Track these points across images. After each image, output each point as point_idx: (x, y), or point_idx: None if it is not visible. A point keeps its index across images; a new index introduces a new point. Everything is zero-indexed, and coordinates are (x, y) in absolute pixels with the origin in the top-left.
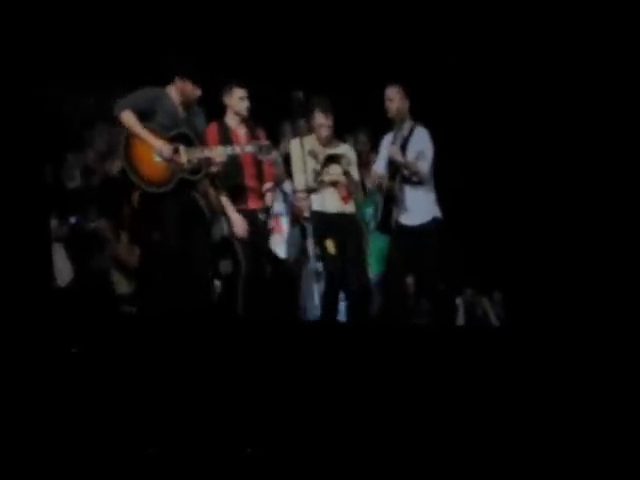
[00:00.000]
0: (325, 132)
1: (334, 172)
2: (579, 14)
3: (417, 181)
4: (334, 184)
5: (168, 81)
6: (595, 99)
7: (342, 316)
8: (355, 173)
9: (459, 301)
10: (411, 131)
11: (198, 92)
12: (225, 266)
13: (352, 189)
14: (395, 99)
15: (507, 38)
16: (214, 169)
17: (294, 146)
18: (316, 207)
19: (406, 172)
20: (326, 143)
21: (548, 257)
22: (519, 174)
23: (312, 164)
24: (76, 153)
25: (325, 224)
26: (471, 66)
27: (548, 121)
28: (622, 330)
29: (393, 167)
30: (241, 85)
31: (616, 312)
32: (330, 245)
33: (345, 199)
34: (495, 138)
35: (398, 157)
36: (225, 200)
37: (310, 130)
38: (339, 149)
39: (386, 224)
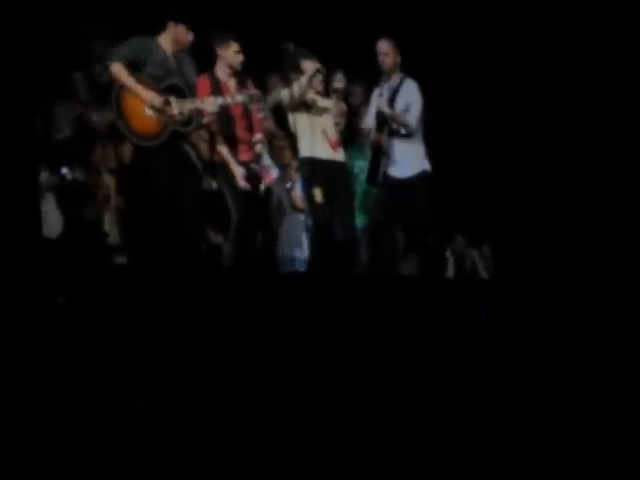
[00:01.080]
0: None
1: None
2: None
3: (405, 133)
4: (323, 131)
5: (159, 29)
6: (582, 72)
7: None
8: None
9: (448, 253)
10: (400, 83)
11: (190, 37)
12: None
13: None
14: (390, 53)
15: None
16: (206, 120)
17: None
18: (305, 153)
19: (394, 124)
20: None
21: (538, 211)
22: (510, 129)
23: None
24: (63, 104)
25: (314, 171)
26: (461, 19)
27: (540, 73)
28: (612, 284)
29: (381, 119)
30: (237, 39)
31: (605, 268)
32: (318, 194)
33: (334, 146)
34: (486, 90)
35: (385, 109)
36: (225, 151)
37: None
38: (328, 102)
39: (374, 176)
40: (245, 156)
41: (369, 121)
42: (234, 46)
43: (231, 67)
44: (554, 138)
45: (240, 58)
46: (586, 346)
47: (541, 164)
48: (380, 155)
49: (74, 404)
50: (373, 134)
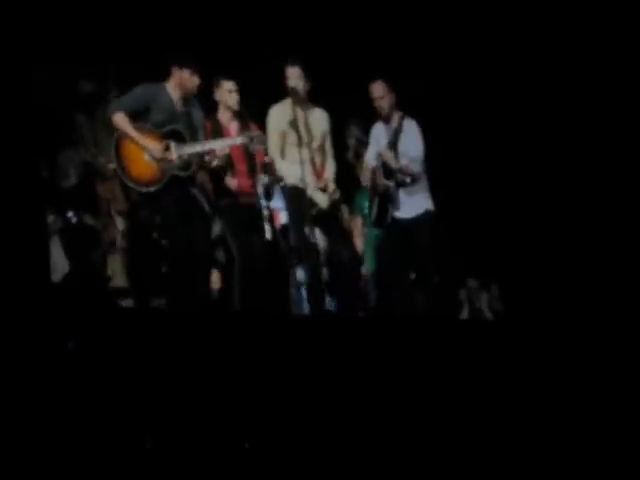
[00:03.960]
0: (301, 87)
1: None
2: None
3: (413, 181)
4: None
5: (165, 76)
6: (577, 81)
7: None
8: (328, 145)
9: (463, 296)
10: (400, 125)
11: (196, 81)
12: (221, 258)
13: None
14: (385, 95)
15: (491, 24)
16: (217, 163)
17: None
18: (292, 181)
19: (399, 176)
20: (304, 107)
21: (544, 250)
22: (512, 166)
23: (293, 137)
24: (68, 150)
25: (304, 204)
26: (454, 54)
27: (538, 106)
28: (617, 323)
29: (387, 169)
30: (229, 77)
31: (611, 304)
32: (311, 232)
33: (321, 176)
34: (487, 127)
35: (392, 163)
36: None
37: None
38: (315, 113)
39: (382, 220)
40: (246, 199)
41: (370, 160)
42: (226, 85)
43: (229, 108)
44: (555, 172)
45: (235, 97)
46: (594, 384)
47: (547, 202)
48: (387, 202)
49: (84, 447)
50: (380, 181)
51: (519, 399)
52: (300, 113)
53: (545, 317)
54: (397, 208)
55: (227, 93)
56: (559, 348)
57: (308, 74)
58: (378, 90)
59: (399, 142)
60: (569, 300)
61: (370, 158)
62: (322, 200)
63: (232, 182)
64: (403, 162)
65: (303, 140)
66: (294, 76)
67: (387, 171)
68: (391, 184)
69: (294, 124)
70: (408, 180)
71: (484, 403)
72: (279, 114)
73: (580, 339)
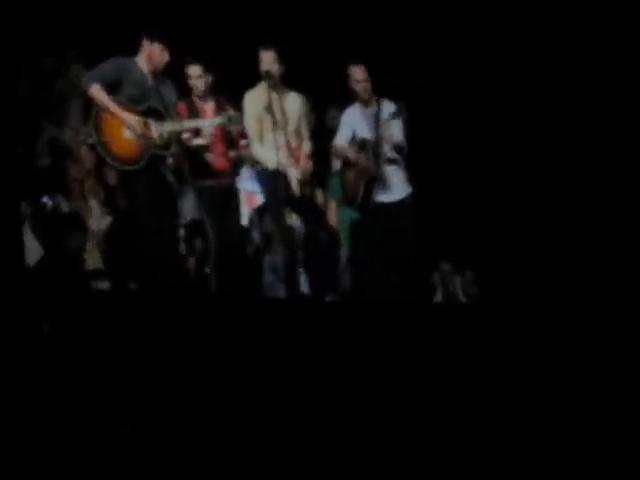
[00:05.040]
0: (275, 71)
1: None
2: None
3: (399, 159)
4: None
5: (136, 51)
6: (561, 71)
7: (304, 288)
8: (304, 128)
9: (436, 279)
10: (379, 107)
11: (166, 56)
12: (197, 243)
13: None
14: (365, 79)
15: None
16: (203, 141)
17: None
18: (270, 166)
19: (389, 152)
20: (278, 90)
21: (521, 235)
22: (488, 149)
23: (269, 121)
24: (48, 130)
25: (280, 188)
26: (432, 35)
27: (516, 84)
28: (593, 307)
29: (376, 149)
30: (196, 62)
31: (587, 287)
32: (288, 214)
33: (298, 158)
34: (463, 110)
35: (395, 139)
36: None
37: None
38: (289, 96)
39: (367, 205)
40: (223, 180)
41: (342, 141)
42: (193, 70)
43: (195, 91)
44: (531, 155)
45: (202, 81)
46: (571, 369)
47: (524, 185)
48: (373, 184)
49: (60, 432)
50: (367, 162)
51: (494, 383)
52: (275, 97)
53: (520, 301)
54: (382, 191)
55: (195, 78)
56: (535, 332)
57: (282, 58)
58: (359, 74)
59: (385, 124)
60: (544, 284)
61: (342, 139)
62: (294, 174)
63: (210, 161)
64: (398, 140)
65: (279, 124)
66: (268, 60)
67: (377, 154)
68: (380, 167)
69: (269, 108)
70: (399, 158)
71: (459, 387)
72: (254, 99)
73: (556, 323)
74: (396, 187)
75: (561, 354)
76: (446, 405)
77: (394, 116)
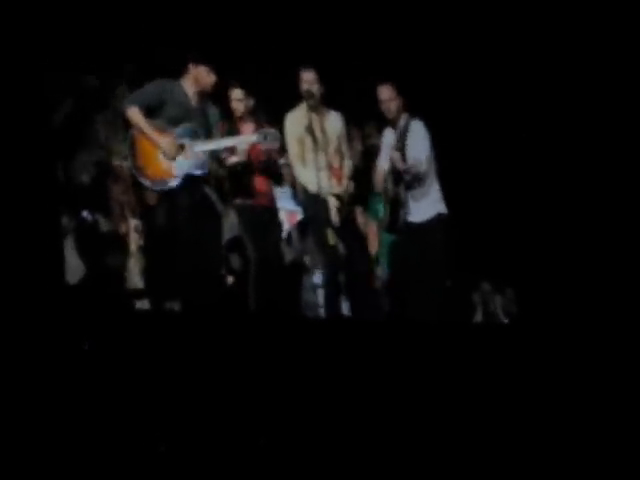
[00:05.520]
0: (315, 91)
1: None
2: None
3: (419, 182)
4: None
5: (182, 72)
6: (584, 84)
7: (344, 309)
8: (344, 147)
9: (477, 298)
10: (406, 126)
11: (213, 78)
12: (236, 261)
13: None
14: (393, 98)
15: (498, 28)
16: (237, 159)
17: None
18: (312, 188)
19: (407, 177)
20: (318, 110)
21: (559, 252)
22: (526, 168)
23: (310, 142)
24: (85, 149)
25: (322, 209)
26: (464, 56)
27: (550, 108)
28: (633, 327)
29: (396, 173)
30: (238, 85)
31: (628, 308)
32: (331, 235)
33: (340, 178)
34: (500, 128)
35: (399, 164)
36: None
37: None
38: (330, 116)
39: (394, 226)
40: (262, 200)
41: (383, 164)
42: (235, 93)
43: (236, 113)
44: (570, 173)
45: (243, 105)
46: (606, 387)
47: (560, 200)
48: (398, 206)
49: (99, 448)
50: (390, 187)
51: (532, 403)
52: (315, 117)
53: (560, 320)
54: (408, 213)
55: (236, 101)
56: (574, 352)
57: (322, 78)
58: (385, 93)
59: (406, 143)
60: (584, 303)
61: (382, 162)
62: (334, 204)
63: (250, 181)
64: (410, 162)
65: (320, 144)
66: (308, 80)
67: (396, 175)
68: (400, 189)
69: (310, 129)
70: (414, 181)
71: (496, 407)
72: (295, 120)
73: (595, 342)
74: (425, 207)
75: (602, 376)
76: (487, 425)
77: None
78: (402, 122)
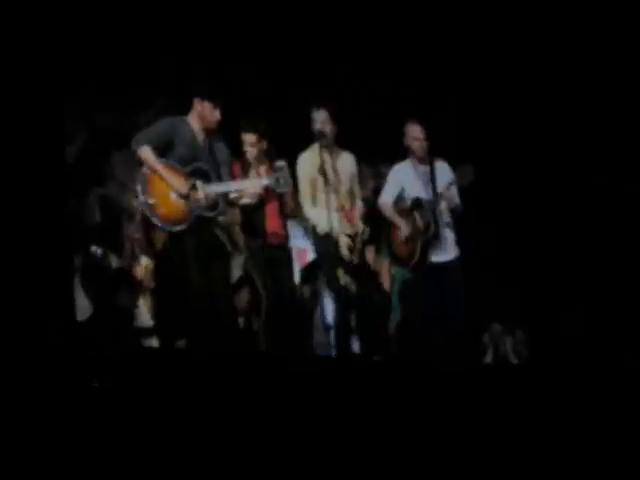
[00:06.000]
0: (328, 131)
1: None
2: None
3: (452, 221)
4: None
5: (187, 109)
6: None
7: (355, 348)
8: (356, 188)
9: (486, 339)
10: (433, 166)
11: (217, 115)
12: (241, 301)
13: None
14: (422, 137)
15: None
16: (247, 201)
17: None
18: (323, 229)
19: (454, 215)
20: (331, 150)
21: (570, 296)
22: (536, 212)
23: (322, 182)
24: (96, 187)
25: (333, 248)
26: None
27: (568, 151)
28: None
29: (435, 211)
30: (251, 130)
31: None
32: (341, 275)
33: (351, 220)
34: (509, 171)
35: (455, 200)
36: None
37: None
38: (342, 156)
39: (422, 265)
40: (274, 239)
41: (388, 199)
42: (247, 138)
43: (249, 156)
44: (580, 218)
45: (255, 149)
46: (617, 429)
47: (570, 244)
48: (431, 244)
49: None
50: (423, 221)
51: (542, 445)
52: (327, 158)
53: (570, 362)
54: (436, 251)
55: (249, 145)
56: (584, 394)
57: (334, 118)
58: (417, 131)
59: (437, 182)
60: (594, 346)
61: (387, 198)
62: (345, 242)
63: (261, 221)
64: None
65: (332, 185)
66: (321, 120)
67: (435, 214)
68: (439, 227)
69: (322, 169)
70: (453, 214)
71: (507, 448)
72: (308, 161)
73: (605, 384)
74: (448, 247)
75: (613, 418)
76: (498, 468)
77: (461, 180)
78: (426, 163)
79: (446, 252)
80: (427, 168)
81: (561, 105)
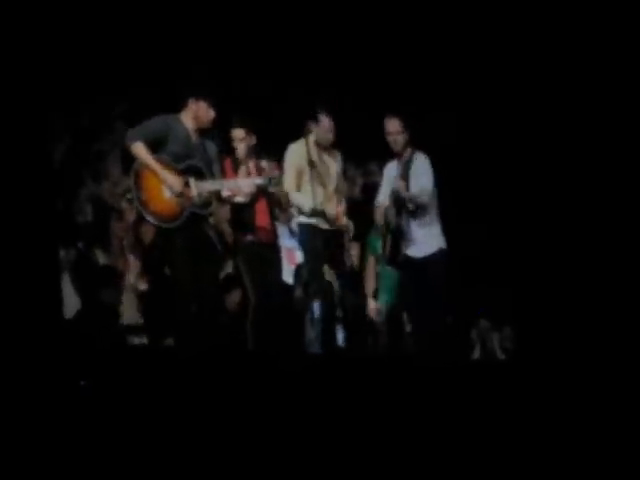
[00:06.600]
0: (330, 137)
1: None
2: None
3: (422, 213)
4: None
5: (181, 107)
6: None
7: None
8: (342, 185)
9: (474, 335)
10: (411, 158)
11: (212, 114)
12: (231, 302)
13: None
14: (401, 131)
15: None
16: (240, 199)
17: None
18: (309, 207)
19: (410, 205)
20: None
21: (558, 291)
22: (525, 205)
23: (308, 176)
24: (89, 186)
25: (318, 244)
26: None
27: (552, 141)
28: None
29: (399, 202)
30: (239, 125)
31: (629, 345)
32: (326, 271)
33: (338, 217)
34: (498, 164)
35: (404, 192)
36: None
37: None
38: (330, 154)
39: (395, 258)
40: (263, 237)
41: (383, 199)
42: (236, 133)
43: (239, 152)
44: (570, 210)
45: (244, 144)
46: (606, 424)
47: (559, 237)
48: (400, 237)
49: None
50: (392, 218)
51: (529, 440)
52: (317, 153)
53: (558, 357)
54: (409, 246)
55: (238, 141)
56: (571, 389)
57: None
58: (393, 126)
59: (410, 173)
60: (581, 340)
61: (383, 197)
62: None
63: (251, 216)
64: (414, 191)
65: (319, 179)
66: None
67: (399, 206)
68: (403, 220)
69: (312, 164)
70: (417, 212)
71: (494, 444)
72: (297, 152)
73: (593, 379)
74: (427, 242)
75: (601, 413)
76: (485, 464)
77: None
78: (407, 154)
79: (421, 247)
80: (405, 159)
81: (553, 99)
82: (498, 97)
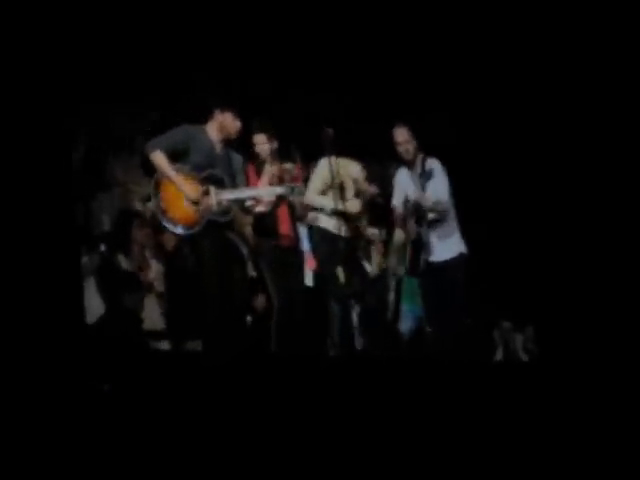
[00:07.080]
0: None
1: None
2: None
3: (441, 222)
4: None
5: (207, 118)
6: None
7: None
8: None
9: (497, 337)
10: (424, 166)
11: (238, 124)
12: (259, 302)
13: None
14: (409, 140)
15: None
16: (261, 208)
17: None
18: (330, 208)
19: (431, 215)
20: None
21: (580, 291)
22: (546, 205)
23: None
24: (105, 190)
25: (337, 248)
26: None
27: (568, 142)
28: None
29: (419, 213)
30: (261, 130)
31: None
32: (341, 274)
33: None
34: (517, 166)
35: (426, 203)
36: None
37: None
38: (352, 164)
39: (416, 269)
40: (286, 242)
41: (398, 205)
42: (257, 138)
43: (259, 157)
44: (589, 212)
45: (266, 148)
46: (629, 425)
47: (579, 238)
48: (420, 247)
49: None
50: (411, 227)
51: (552, 442)
52: (339, 163)
53: (581, 358)
54: (430, 253)
55: (259, 145)
56: (595, 390)
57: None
58: (402, 135)
59: (426, 183)
60: (605, 341)
61: (396, 201)
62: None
63: (273, 223)
64: (433, 200)
65: (341, 189)
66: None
67: (418, 216)
68: (423, 229)
69: (334, 173)
70: (438, 220)
71: (516, 445)
72: (327, 167)
73: (616, 379)
74: (447, 247)
75: (624, 414)
76: (506, 465)
77: (427, 175)
78: (419, 162)
79: (441, 252)
80: (419, 168)
81: (558, 100)
82: (501, 98)
